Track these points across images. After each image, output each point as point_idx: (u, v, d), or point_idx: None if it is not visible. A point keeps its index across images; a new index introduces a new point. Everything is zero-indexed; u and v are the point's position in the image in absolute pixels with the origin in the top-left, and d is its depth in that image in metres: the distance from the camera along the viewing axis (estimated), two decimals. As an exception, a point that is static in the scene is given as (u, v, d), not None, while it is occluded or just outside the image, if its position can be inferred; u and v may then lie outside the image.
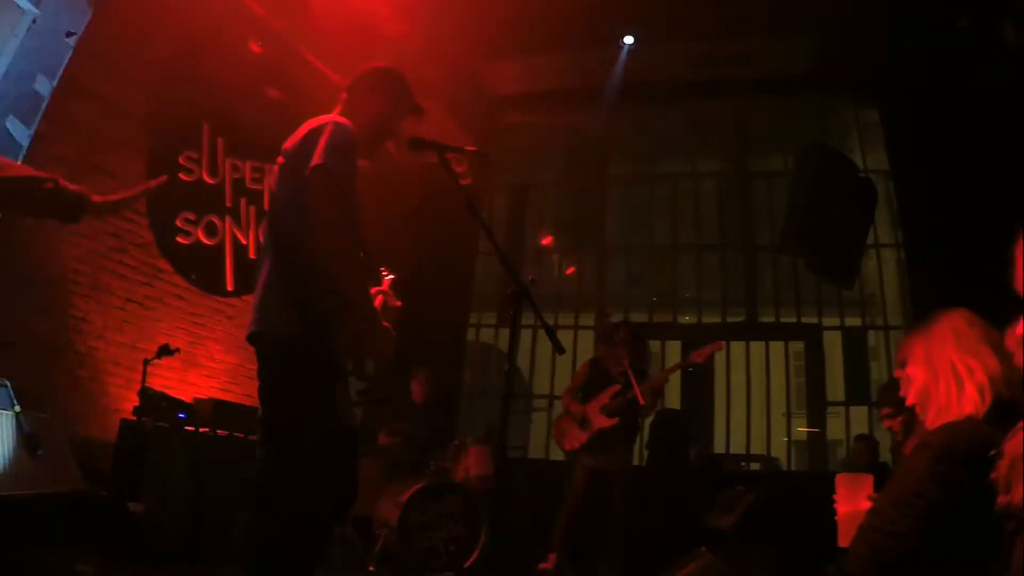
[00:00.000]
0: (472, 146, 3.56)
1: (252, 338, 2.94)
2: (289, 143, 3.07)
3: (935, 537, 2.04)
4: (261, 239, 7.52)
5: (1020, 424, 1.10)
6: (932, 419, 2.32)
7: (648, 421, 8.32)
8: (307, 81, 7.70)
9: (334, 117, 3.08)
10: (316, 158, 2.85)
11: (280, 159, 3.09)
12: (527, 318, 3.53)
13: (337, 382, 2.88)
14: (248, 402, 6.51)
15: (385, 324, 3.07)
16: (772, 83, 9.17)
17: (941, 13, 7.14)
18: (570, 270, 11.13)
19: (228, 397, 6.78)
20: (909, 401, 2.44)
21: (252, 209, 7.53)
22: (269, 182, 3.12)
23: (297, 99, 7.36)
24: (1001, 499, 1.07)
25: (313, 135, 2.97)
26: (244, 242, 7.42)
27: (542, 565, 6.27)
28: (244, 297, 7.28)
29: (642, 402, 6.39)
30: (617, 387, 6.64)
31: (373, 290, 3.35)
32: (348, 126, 3.03)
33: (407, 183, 9.45)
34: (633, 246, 11.43)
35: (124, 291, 6.28)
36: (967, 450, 1.88)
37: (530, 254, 11.01)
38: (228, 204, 7.33)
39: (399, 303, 3.36)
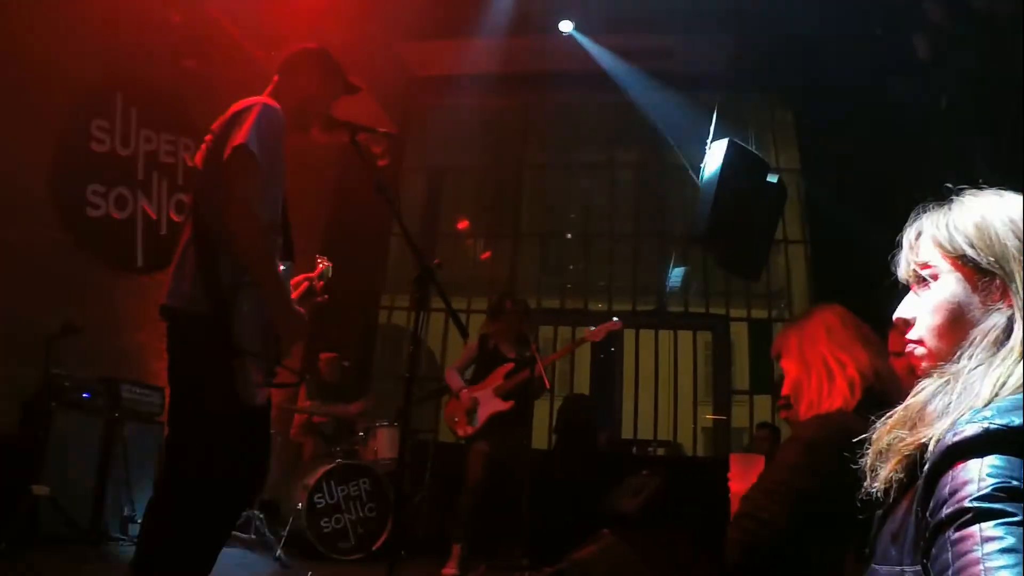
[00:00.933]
0: (386, 127, 3.63)
1: (161, 312, 3.00)
2: (217, 123, 3.12)
3: (802, 524, 2.19)
4: (172, 215, 7.53)
5: (886, 413, 1.28)
6: (804, 411, 2.45)
7: (558, 406, 8.52)
8: (225, 54, 7.60)
9: (263, 99, 3.13)
10: (238, 137, 2.92)
11: (208, 137, 3.14)
12: (439, 302, 3.63)
13: (234, 361, 2.90)
14: (158, 382, 6.46)
15: (300, 309, 3.12)
16: (692, 78, 9.42)
17: (860, 21, 7.47)
18: (485, 255, 11.23)
19: (137, 377, 6.66)
20: (784, 392, 2.57)
21: (164, 183, 7.44)
22: (196, 159, 3.16)
23: (214, 71, 7.27)
24: (866, 487, 1.26)
25: (239, 116, 3.02)
26: (154, 217, 7.34)
27: (446, 571, 6.08)
28: (154, 274, 7.19)
29: (547, 384, 6.36)
30: (510, 365, 6.53)
31: (300, 276, 3.44)
32: (276, 108, 3.08)
33: (323, 163, 9.43)
34: (547, 233, 11.59)
35: (29, 265, 6.13)
36: (835, 442, 1.93)
37: (444, 238, 11.08)
38: (140, 177, 7.23)
39: (324, 296, 3.46)
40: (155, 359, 6.90)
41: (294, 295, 3.35)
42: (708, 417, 10.69)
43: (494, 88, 9.89)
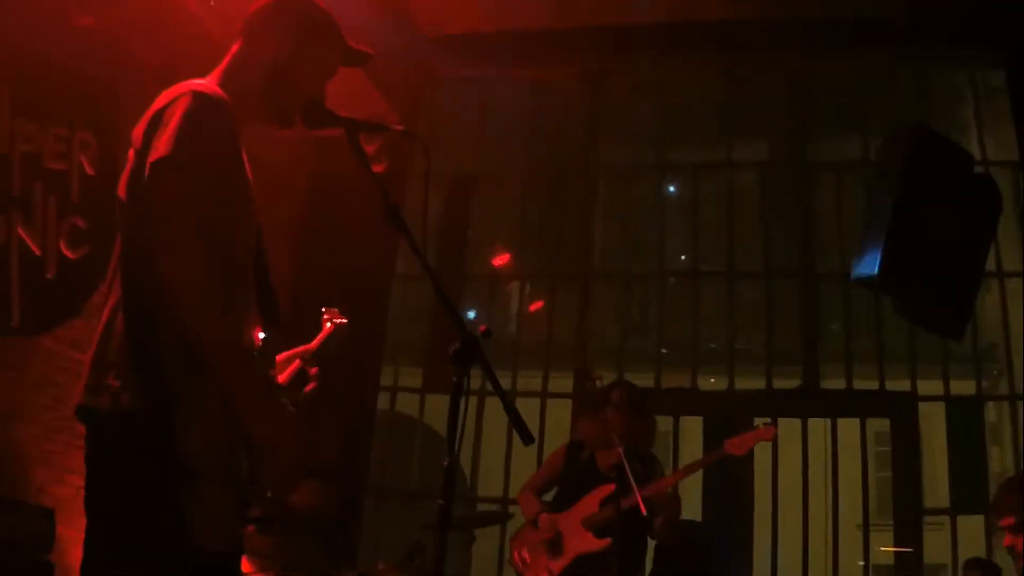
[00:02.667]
0: (399, 123, 3.68)
1: (77, 414, 2.97)
2: (138, 127, 3.13)
3: None
4: (65, 248, 7.43)
5: None
6: None
7: (654, 542, 8.31)
8: (144, 8, 7.59)
9: (196, 83, 3.14)
10: (159, 148, 2.92)
11: (131, 151, 3.14)
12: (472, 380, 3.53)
13: (183, 486, 2.87)
14: (37, 500, 6.43)
15: (282, 403, 3.12)
16: (843, 30, 9.26)
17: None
18: (535, 305, 11.10)
19: (12, 495, 6.53)
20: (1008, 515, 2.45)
21: (52, 200, 7.33)
22: (119, 186, 3.17)
23: (129, 32, 7.25)
24: None
25: (161, 115, 3.04)
26: (38, 252, 7.22)
27: None
28: (38, 338, 7.09)
29: (644, 511, 6.14)
30: (611, 487, 6.44)
31: (293, 351, 3.48)
32: (213, 95, 3.10)
33: (289, 170, 9.39)
34: (632, 271, 11.42)
35: None
36: None
37: (474, 280, 11.01)
38: (15, 192, 7.13)
39: (313, 381, 3.46)
40: (35, 466, 6.76)
41: (281, 378, 3.36)
42: (886, 550, 10.36)
43: (546, 52, 9.81)
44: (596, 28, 9.77)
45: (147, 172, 2.91)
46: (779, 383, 10.19)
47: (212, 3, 3.31)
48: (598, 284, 11.00)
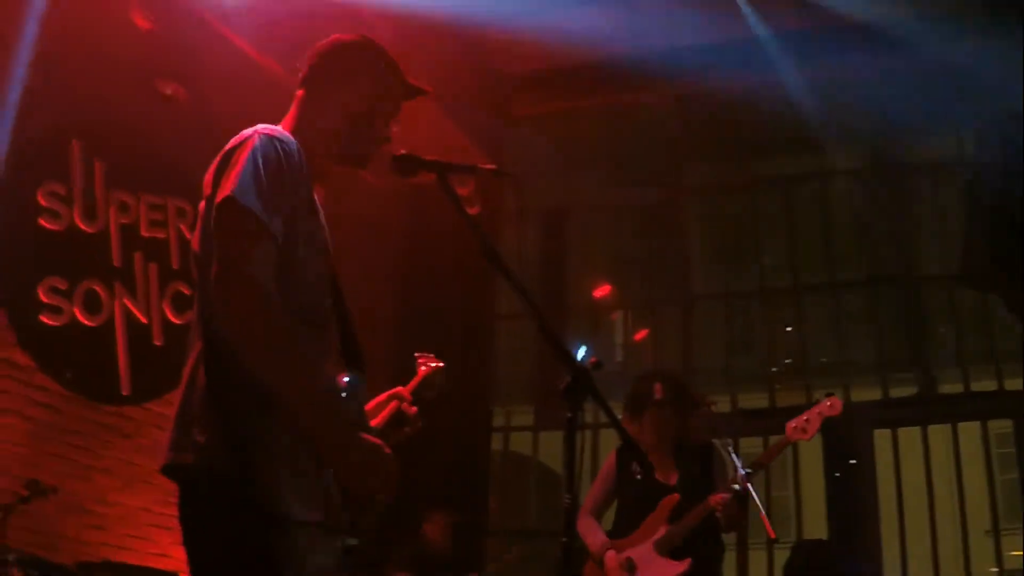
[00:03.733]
0: (487, 163, 3.55)
1: (164, 472, 2.92)
2: (208, 174, 3.07)
3: None
4: (171, 314, 7.56)
5: None
6: None
7: (782, 562, 8.18)
8: (222, 70, 7.71)
9: (265, 128, 3.07)
10: (225, 187, 2.86)
11: (201, 203, 3.09)
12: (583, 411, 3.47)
13: (271, 532, 2.82)
14: (160, 564, 6.47)
15: (375, 442, 2.98)
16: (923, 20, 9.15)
17: None
18: (640, 333, 11.06)
19: (128, 558, 6.63)
20: None
21: (153, 269, 7.48)
22: (193, 237, 3.10)
23: (208, 97, 7.36)
24: None
25: (229, 158, 2.99)
26: (144, 320, 7.36)
27: None
28: (148, 404, 7.21)
29: (771, 532, 5.91)
30: (674, 498, 5.85)
31: (386, 394, 3.41)
32: (281, 138, 3.03)
33: (387, 218, 9.47)
34: (733, 290, 11.34)
35: None
36: None
37: (575, 312, 10.97)
38: (116, 263, 7.28)
39: (416, 421, 3.39)
40: (156, 530, 6.85)
41: (375, 421, 3.27)
42: (1018, 554, 10.14)
43: (625, 79, 9.80)
44: (674, 49, 9.74)
45: (214, 213, 2.87)
46: (895, 392, 10.00)
47: (295, 64, 3.24)
48: (700, 306, 10.88)
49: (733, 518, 5.62)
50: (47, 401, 6.74)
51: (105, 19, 7.14)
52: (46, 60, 6.83)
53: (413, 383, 3.48)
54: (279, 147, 2.97)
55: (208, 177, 3.03)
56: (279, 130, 3.06)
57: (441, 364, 3.55)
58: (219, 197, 2.84)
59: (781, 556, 8.46)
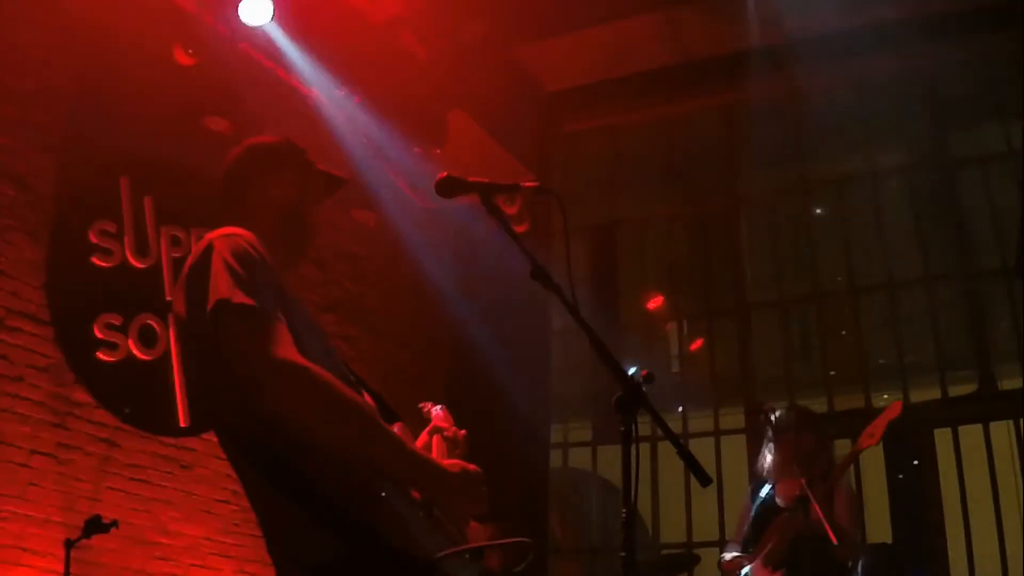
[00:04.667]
0: (530, 180, 3.54)
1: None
2: (177, 292, 3.06)
3: None
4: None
5: None
6: None
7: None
8: (267, 102, 7.80)
9: (215, 234, 3.02)
10: (212, 294, 2.81)
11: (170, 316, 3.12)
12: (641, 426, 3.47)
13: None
14: None
15: (460, 463, 3.08)
16: (969, 19, 9.10)
17: None
18: (696, 343, 11.01)
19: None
20: None
21: (205, 300, 7.57)
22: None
23: (254, 127, 7.46)
24: None
25: (194, 275, 2.93)
26: (197, 352, 7.45)
27: None
28: (205, 435, 7.29)
29: (833, 537, 5.90)
30: (784, 517, 6.31)
31: (423, 434, 3.49)
32: (237, 233, 3.01)
33: (434, 242, 9.51)
34: (788, 296, 11.28)
35: (24, 439, 6.31)
36: None
37: (629, 327, 10.99)
38: (169, 296, 7.38)
39: (459, 430, 3.50)
40: (219, 559, 6.93)
41: (433, 454, 3.38)
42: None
43: (671, 89, 9.80)
44: (720, 57, 9.74)
45: (208, 324, 2.78)
46: (954, 390, 9.88)
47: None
48: (755, 314, 10.82)
49: (797, 530, 6.11)
50: (106, 436, 6.85)
51: (148, 56, 7.27)
52: (91, 98, 6.96)
53: (436, 419, 3.57)
54: (241, 240, 2.95)
55: (179, 294, 3.00)
56: (232, 229, 3.03)
57: (440, 407, 3.63)
58: (210, 304, 2.78)
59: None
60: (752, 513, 6.59)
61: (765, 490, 6.60)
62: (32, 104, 6.66)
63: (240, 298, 2.76)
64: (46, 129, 6.74)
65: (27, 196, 6.64)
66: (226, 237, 2.94)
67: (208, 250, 2.90)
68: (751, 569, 6.33)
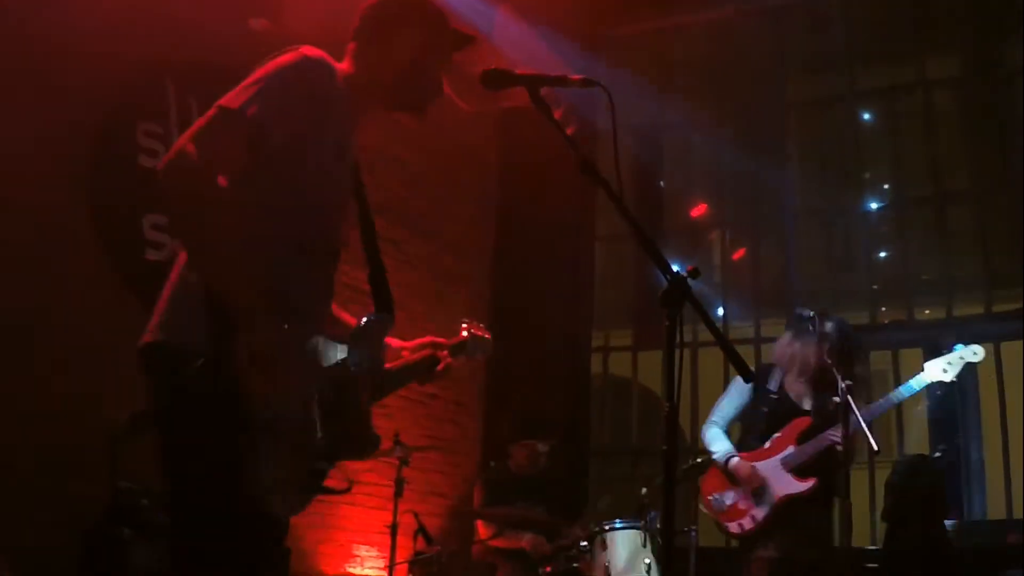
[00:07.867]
0: (576, 74, 3.57)
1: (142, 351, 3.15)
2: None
3: None
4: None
5: None
6: None
7: (883, 479, 8.18)
8: (311, 2, 7.81)
9: (301, 49, 3.17)
10: (230, 96, 2.97)
11: None
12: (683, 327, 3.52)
13: (240, 438, 2.86)
14: None
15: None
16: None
17: None
18: (738, 253, 11.02)
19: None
20: None
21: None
22: None
23: (297, 32, 7.45)
24: None
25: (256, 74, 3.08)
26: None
27: None
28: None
29: (874, 445, 5.74)
30: (806, 421, 6.26)
31: (427, 339, 3.59)
32: (317, 61, 3.15)
33: (478, 147, 9.54)
34: (832, 208, 11.25)
35: (71, 335, 6.30)
36: None
37: (672, 233, 11.06)
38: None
39: (440, 375, 3.55)
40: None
41: (405, 354, 3.50)
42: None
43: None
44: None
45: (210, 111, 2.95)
46: (999, 307, 9.86)
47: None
48: (800, 223, 10.80)
49: (849, 452, 5.84)
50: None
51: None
52: (135, 1, 6.96)
53: (452, 341, 3.63)
54: (306, 70, 3.12)
55: None
56: (318, 56, 3.18)
57: (488, 336, 3.74)
58: (223, 100, 2.97)
59: (882, 474, 8.49)
60: (764, 406, 6.44)
61: (774, 382, 6.48)
62: (75, 8, 6.64)
63: (242, 112, 2.95)
64: (92, 37, 6.71)
65: (74, 100, 6.58)
66: (301, 60, 3.12)
67: (282, 59, 3.10)
68: (765, 469, 6.22)
